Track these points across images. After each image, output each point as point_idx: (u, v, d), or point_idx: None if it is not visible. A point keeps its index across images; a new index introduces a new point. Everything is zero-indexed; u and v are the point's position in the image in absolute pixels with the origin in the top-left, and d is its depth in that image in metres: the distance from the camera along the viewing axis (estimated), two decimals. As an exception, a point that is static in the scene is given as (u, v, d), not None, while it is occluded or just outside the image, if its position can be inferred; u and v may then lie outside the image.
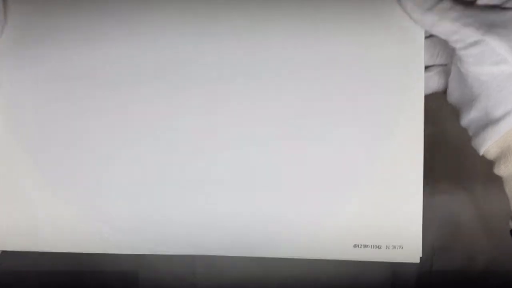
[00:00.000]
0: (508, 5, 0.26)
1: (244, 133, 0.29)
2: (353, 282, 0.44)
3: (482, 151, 0.28)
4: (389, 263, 0.41)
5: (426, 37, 0.28)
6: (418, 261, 0.28)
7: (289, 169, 0.29)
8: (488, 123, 0.27)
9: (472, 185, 0.45)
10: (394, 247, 0.29)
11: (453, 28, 0.26)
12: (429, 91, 0.30)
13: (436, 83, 0.30)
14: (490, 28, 0.25)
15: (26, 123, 0.30)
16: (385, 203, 0.28)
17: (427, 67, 0.30)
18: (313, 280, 0.46)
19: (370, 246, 0.29)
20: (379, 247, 0.29)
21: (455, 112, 0.30)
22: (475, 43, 0.25)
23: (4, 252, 0.30)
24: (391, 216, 0.28)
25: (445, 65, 0.30)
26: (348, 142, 0.29)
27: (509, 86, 0.26)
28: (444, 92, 0.30)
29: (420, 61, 0.28)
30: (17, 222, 0.30)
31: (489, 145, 0.27)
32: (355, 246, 0.29)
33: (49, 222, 0.30)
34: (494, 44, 0.25)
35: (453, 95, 0.29)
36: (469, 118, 0.28)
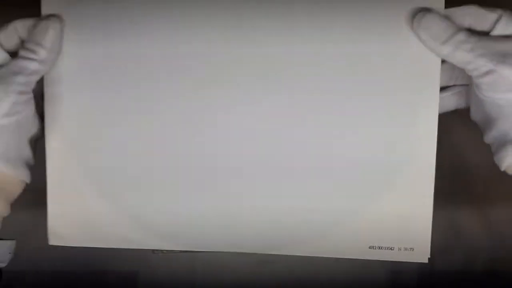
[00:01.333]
0: None
1: (260, 131, 0.31)
2: (353, 282, 0.44)
3: (503, 167, 0.29)
4: (389, 263, 0.41)
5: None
6: (426, 261, 0.30)
7: (309, 169, 0.31)
8: (508, 142, 0.28)
9: (472, 185, 0.45)
10: (406, 249, 0.30)
11: (468, 58, 0.27)
12: (448, 109, 0.32)
13: (455, 102, 0.31)
14: (502, 58, 0.26)
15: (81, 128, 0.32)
16: (398, 208, 0.30)
17: (447, 87, 0.31)
18: (313, 280, 0.46)
19: (384, 248, 0.31)
20: (392, 248, 0.31)
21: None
22: (489, 72, 0.27)
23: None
24: (403, 221, 0.30)
25: (467, 85, 0.31)
26: (366, 148, 0.30)
27: None
28: (467, 109, 0.31)
29: (435, 85, 0.29)
30: (72, 219, 0.32)
31: (508, 163, 0.28)
32: (370, 247, 0.31)
33: (97, 219, 0.32)
34: (506, 74, 0.26)
35: (475, 116, 0.30)
36: (491, 136, 0.29)
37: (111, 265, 0.42)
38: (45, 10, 0.30)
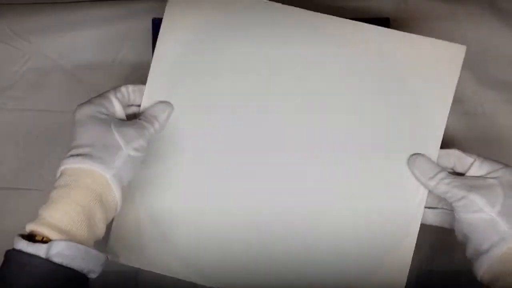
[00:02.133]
0: (488, 176, 0.37)
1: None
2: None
3: (479, 277, 0.36)
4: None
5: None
6: None
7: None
8: (479, 255, 0.36)
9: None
10: None
11: (447, 189, 0.37)
12: (432, 223, 0.41)
13: (439, 220, 0.41)
14: (471, 188, 0.36)
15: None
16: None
17: (435, 207, 0.41)
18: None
19: None
20: None
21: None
22: (461, 198, 0.36)
23: None
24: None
25: (451, 210, 0.39)
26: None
27: (488, 228, 0.35)
28: (451, 229, 0.39)
29: (419, 213, 0.40)
30: (127, 244, 0.42)
31: (482, 271, 0.35)
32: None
33: (152, 245, 0.42)
34: (473, 198, 0.36)
35: (458, 235, 0.38)
36: (468, 251, 0.37)
37: (111, 265, 0.42)
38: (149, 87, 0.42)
